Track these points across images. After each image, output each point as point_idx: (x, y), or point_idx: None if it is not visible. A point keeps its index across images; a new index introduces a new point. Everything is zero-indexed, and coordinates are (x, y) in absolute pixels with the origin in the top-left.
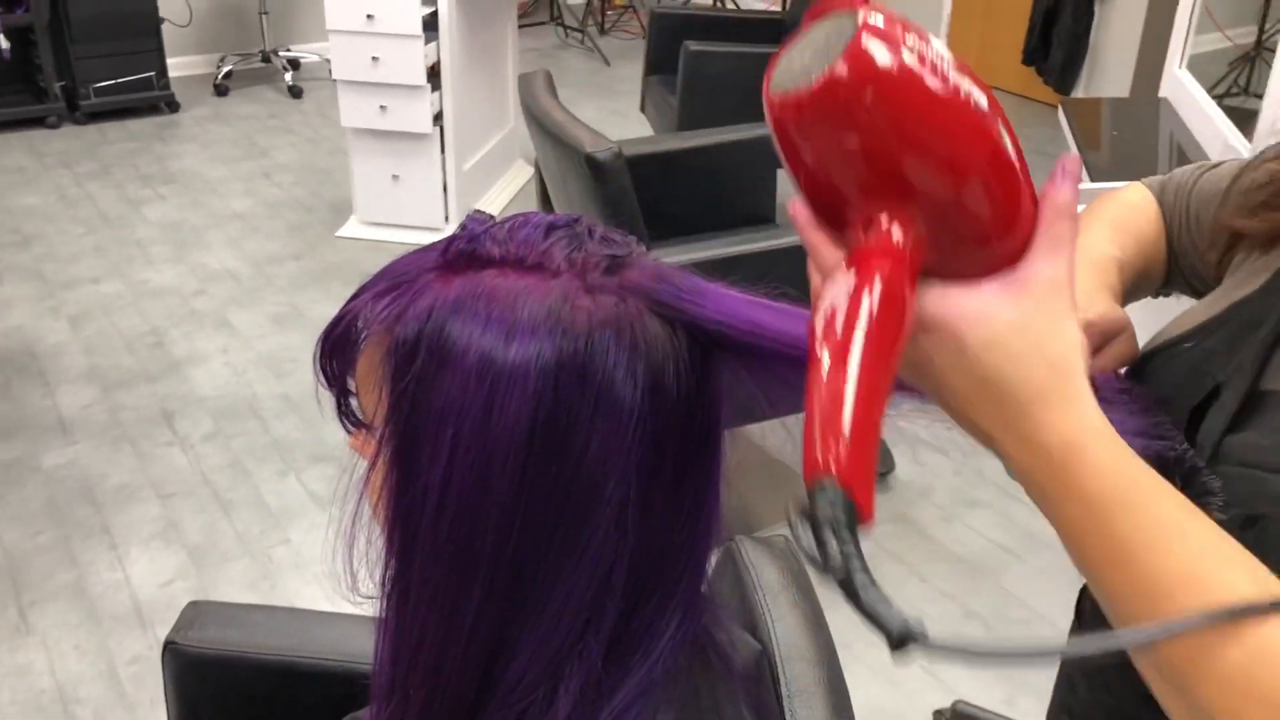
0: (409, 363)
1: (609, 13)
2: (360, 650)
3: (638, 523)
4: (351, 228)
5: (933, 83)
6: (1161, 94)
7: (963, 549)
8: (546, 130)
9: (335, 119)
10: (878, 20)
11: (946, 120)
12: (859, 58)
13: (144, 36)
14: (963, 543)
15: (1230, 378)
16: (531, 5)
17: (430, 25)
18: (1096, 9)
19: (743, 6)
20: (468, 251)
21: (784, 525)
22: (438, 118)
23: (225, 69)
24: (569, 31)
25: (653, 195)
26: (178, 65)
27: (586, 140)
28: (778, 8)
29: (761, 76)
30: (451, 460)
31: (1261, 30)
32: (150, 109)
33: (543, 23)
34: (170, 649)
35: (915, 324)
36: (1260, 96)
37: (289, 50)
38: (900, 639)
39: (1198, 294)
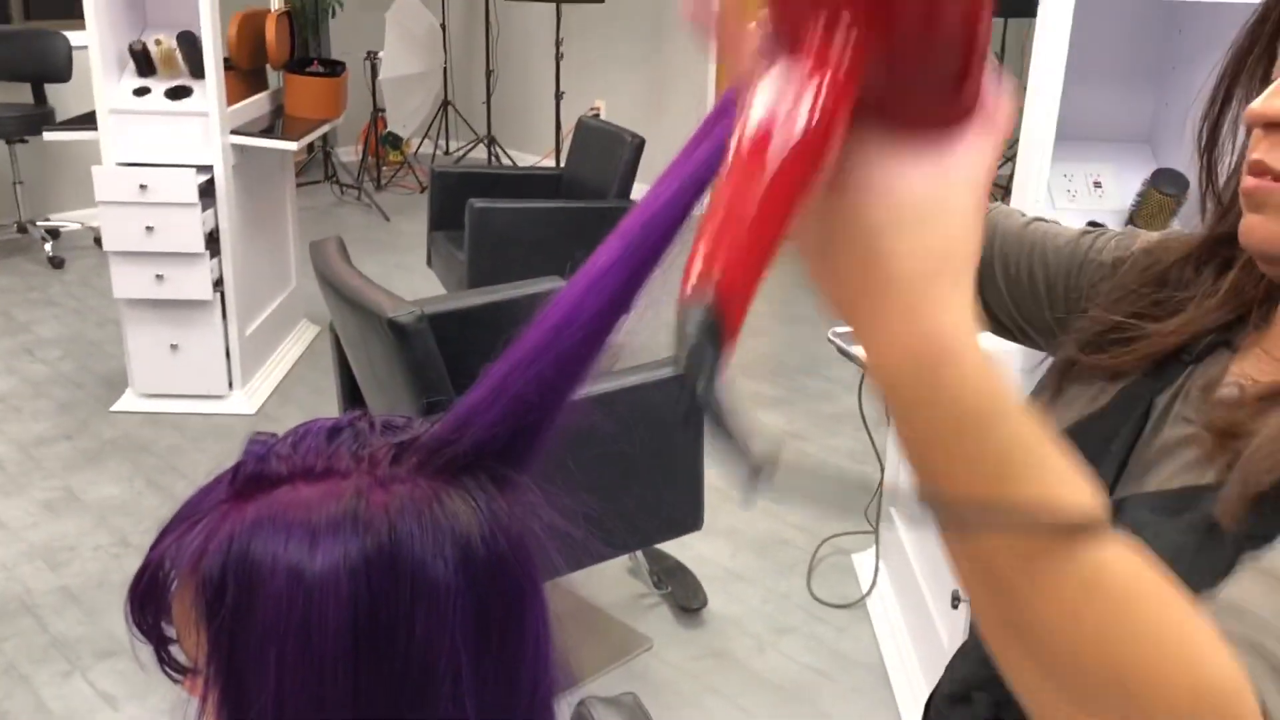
0: (220, 597)
1: (384, 168)
2: None
3: (474, 692)
4: (128, 401)
5: None
6: None
7: (778, 676)
8: (344, 296)
9: (102, 288)
10: None
11: None
12: None
13: None
14: (777, 670)
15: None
16: (305, 164)
17: (207, 191)
18: None
19: (519, 164)
20: (256, 474)
21: (604, 673)
22: (218, 284)
23: None
24: (345, 189)
25: (454, 352)
26: None
27: (387, 305)
28: (551, 162)
29: (542, 229)
30: (280, 684)
31: None
32: None
33: (318, 181)
34: None
35: (827, 174)
36: None
37: (47, 219)
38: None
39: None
